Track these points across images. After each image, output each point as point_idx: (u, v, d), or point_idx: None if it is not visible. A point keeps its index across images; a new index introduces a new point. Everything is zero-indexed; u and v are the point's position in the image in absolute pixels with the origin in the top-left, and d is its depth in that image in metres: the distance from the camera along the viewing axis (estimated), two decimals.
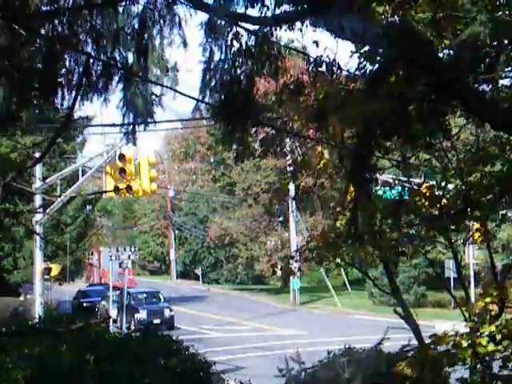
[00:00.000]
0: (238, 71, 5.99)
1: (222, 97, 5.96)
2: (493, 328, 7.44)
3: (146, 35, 5.69)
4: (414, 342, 9.43)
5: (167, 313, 35.65)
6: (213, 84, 5.90)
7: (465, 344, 7.40)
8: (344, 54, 7.19)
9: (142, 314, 35.16)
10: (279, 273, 58.54)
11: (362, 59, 6.77)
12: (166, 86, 6.18)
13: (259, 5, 5.84)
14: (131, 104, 5.94)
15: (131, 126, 6.10)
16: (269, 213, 56.29)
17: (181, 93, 6.26)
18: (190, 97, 6.27)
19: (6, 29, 5.48)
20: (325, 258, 11.14)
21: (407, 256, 10.37)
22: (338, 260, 11.31)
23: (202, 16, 5.87)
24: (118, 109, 5.98)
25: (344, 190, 8.86)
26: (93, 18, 5.68)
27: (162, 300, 37.98)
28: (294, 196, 47.80)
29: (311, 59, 6.74)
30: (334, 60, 6.56)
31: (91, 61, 5.85)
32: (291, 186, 47.06)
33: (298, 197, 49.42)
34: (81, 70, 5.91)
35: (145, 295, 38.25)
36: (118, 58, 5.87)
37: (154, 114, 6.19)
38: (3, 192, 7.93)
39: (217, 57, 5.86)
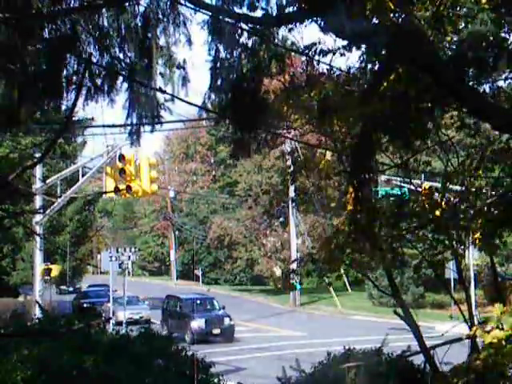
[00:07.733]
0: (244, 70, 5.97)
1: (229, 95, 5.93)
2: None
3: (150, 34, 5.65)
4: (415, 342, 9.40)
5: (227, 322, 31.00)
6: (219, 82, 5.88)
7: None
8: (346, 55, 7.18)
9: (199, 323, 30.55)
10: (278, 272, 58.40)
11: (362, 59, 6.76)
12: (170, 93, 6.07)
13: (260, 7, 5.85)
14: (136, 104, 5.88)
15: (136, 127, 6.06)
16: (268, 214, 56.13)
17: (186, 101, 6.16)
18: (194, 105, 6.22)
19: (9, 29, 5.45)
20: (327, 272, 10.89)
21: (407, 265, 10.24)
22: (341, 270, 11.08)
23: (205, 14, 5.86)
24: (124, 109, 5.93)
25: (344, 191, 8.81)
26: (96, 17, 5.66)
27: (218, 307, 32.85)
28: (293, 198, 47.67)
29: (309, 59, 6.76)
30: (331, 60, 6.58)
31: (94, 61, 5.83)
32: (291, 188, 46.96)
33: (298, 198, 49.34)
34: (82, 70, 5.88)
35: (198, 301, 33.31)
36: (121, 58, 5.84)
37: (160, 115, 6.12)
38: (3, 192, 7.90)
39: (222, 55, 5.85)
